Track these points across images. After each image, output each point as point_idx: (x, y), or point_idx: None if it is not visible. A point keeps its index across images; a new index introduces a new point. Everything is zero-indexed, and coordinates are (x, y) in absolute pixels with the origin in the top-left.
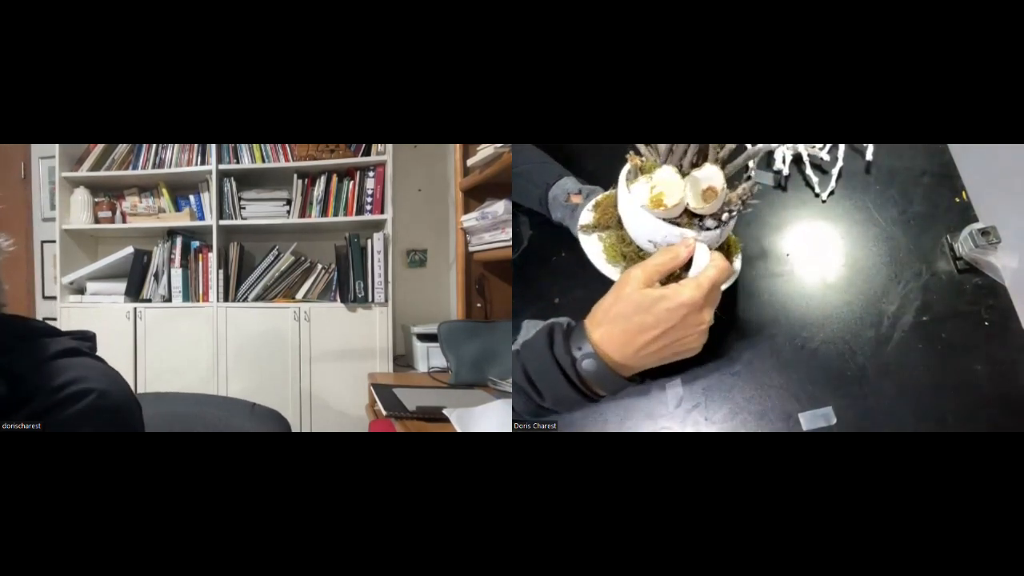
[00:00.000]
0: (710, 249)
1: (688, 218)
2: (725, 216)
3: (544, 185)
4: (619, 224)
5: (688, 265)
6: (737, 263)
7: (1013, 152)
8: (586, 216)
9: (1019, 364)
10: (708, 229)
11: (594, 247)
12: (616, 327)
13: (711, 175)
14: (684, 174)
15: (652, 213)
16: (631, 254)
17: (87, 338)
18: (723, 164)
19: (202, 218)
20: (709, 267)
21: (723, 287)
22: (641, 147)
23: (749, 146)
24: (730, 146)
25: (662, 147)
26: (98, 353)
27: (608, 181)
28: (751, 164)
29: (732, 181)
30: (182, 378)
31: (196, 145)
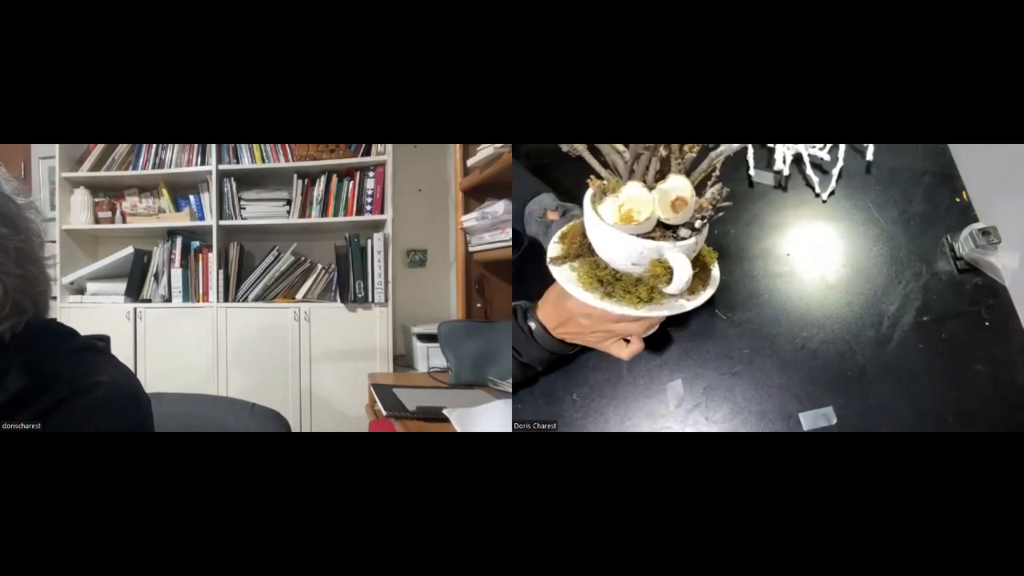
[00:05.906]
0: (688, 258)
1: (662, 231)
2: (698, 223)
3: (520, 199)
4: (589, 251)
5: (671, 278)
6: (716, 271)
7: (1013, 152)
8: (553, 249)
9: (1019, 364)
10: (683, 239)
11: (568, 276)
12: (548, 308)
13: (678, 185)
14: (651, 188)
15: (624, 230)
16: (607, 277)
17: (102, 339)
18: (687, 172)
19: (202, 218)
20: (624, 347)
21: (701, 301)
22: (601, 170)
23: (718, 147)
24: (691, 154)
25: (621, 166)
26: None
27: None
28: (751, 164)
29: (701, 188)
30: (182, 378)
31: (196, 145)
